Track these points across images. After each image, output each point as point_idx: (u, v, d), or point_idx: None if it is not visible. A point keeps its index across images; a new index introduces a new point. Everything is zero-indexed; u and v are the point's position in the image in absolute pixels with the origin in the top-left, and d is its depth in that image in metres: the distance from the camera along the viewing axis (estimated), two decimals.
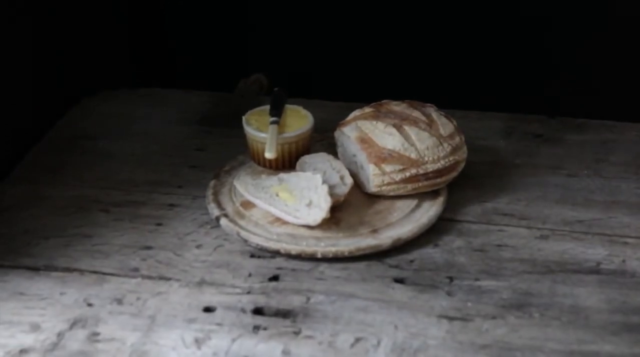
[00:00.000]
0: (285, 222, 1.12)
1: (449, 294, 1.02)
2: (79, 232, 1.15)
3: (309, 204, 1.11)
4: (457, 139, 1.20)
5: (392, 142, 1.16)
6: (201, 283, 1.04)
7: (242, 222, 1.14)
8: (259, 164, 1.27)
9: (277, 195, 1.14)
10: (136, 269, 1.07)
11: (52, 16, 1.43)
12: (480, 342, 0.94)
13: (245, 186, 1.16)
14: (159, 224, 1.17)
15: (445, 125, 1.20)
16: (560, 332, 0.95)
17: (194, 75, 1.67)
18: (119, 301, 1.01)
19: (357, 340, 0.94)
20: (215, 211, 1.16)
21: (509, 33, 1.55)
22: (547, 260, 1.08)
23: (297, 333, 0.95)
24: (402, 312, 0.99)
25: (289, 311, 0.99)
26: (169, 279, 1.05)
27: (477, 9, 1.55)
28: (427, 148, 1.16)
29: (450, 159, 1.17)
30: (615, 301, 1.00)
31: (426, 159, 1.15)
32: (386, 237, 1.09)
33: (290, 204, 1.12)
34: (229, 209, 1.17)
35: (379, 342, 0.94)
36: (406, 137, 1.16)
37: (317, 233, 1.10)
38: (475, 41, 1.58)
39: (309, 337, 0.95)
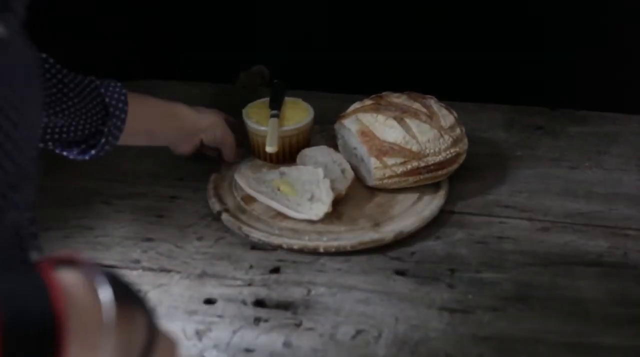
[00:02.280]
0: (287, 216, 1.12)
1: (450, 286, 1.02)
2: (80, 223, 1.15)
3: (311, 198, 1.11)
4: (458, 131, 1.20)
5: (393, 135, 1.15)
6: (202, 275, 1.04)
7: (243, 217, 1.13)
8: (259, 157, 1.26)
9: (279, 189, 1.14)
10: (137, 261, 1.07)
11: (51, 9, 1.42)
12: (481, 334, 0.94)
13: (247, 180, 1.16)
14: (160, 216, 1.17)
15: (445, 117, 1.20)
16: (561, 324, 0.95)
17: (195, 67, 1.67)
18: None
19: (358, 332, 0.94)
20: (216, 206, 1.15)
21: (511, 24, 1.55)
22: (548, 252, 1.08)
23: (298, 325, 0.96)
24: (403, 304, 0.99)
25: (290, 303, 0.99)
26: (170, 271, 1.05)
27: (478, 1, 1.55)
28: (429, 140, 1.15)
29: (452, 151, 1.17)
30: (616, 293, 1.00)
31: (427, 151, 1.15)
32: (388, 231, 1.09)
33: (291, 198, 1.12)
34: (230, 204, 1.16)
35: (380, 334, 0.94)
36: (407, 130, 1.16)
37: (319, 227, 1.10)
38: (476, 33, 1.57)
39: (310, 329, 0.95)
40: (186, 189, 1.22)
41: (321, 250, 1.07)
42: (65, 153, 1.08)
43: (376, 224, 1.11)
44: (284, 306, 0.99)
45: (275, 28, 1.64)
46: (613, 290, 1.01)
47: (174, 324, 0.96)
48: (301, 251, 1.07)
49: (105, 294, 0.52)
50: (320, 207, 1.09)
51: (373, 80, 1.52)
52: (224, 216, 1.13)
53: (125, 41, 1.63)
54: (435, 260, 1.06)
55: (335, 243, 1.07)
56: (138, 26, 1.64)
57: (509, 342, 0.93)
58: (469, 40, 1.58)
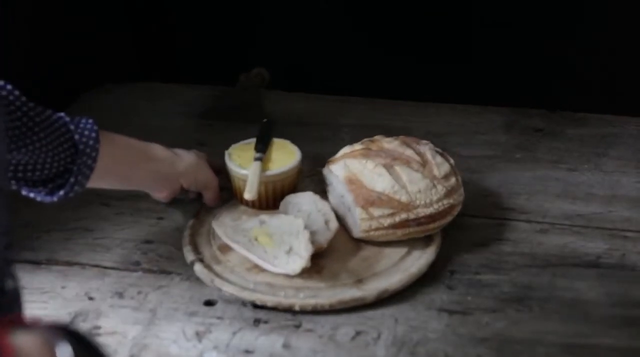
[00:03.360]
0: (264, 269, 1.02)
1: (449, 287, 1.02)
2: (80, 225, 1.15)
3: (289, 251, 1.01)
4: (453, 180, 1.10)
5: (382, 183, 1.06)
6: None
7: (217, 269, 1.04)
8: (241, 202, 1.17)
9: (257, 239, 1.04)
10: (137, 263, 1.07)
11: (52, 10, 1.43)
12: (480, 335, 0.94)
13: (224, 228, 1.06)
14: (160, 218, 1.17)
15: (440, 165, 1.10)
16: (560, 325, 0.95)
17: (195, 69, 1.67)
18: (120, 295, 1.01)
19: (358, 333, 0.94)
20: (190, 255, 1.06)
21: (510, 27, 1.55)
22: (547, 254, 1.08)
23: (297, 327, 0.96)
24: (402, 306, 0.99)
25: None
26: (169, 272, 1.06)
27: (479, 4, 1.55)
28: (419, 191, 1.06)
29: (444, 202, 1.07)
30: (615, 294, 1.00)
31: (418, 202, 1.05)
32: (371, 289, 0.99)
33: (269, 250, 1.02)
34: (206, 253, 1.07)
35: (379, 336, 0.94)
36: (397, 179, 1.06)
37: (297, 282, 1.00)
38: (476, 35, 1.58)
39: (310, 330, 0.95)
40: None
41: (297, 308, 0.97)
42: (32, 194, 1.01)
43: (359, 281, 1.01)
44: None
45: (275, 30, 1.64)
46: (612, 291, 1.01)
47: (174, 325, 0.96)
48: (275, 309, 0.98)
49: (64, 355, 0.51)
50: (298, 262, 0.99)
51: (373, 83, 1.52)
52: (197, 267, 1.04)
53: (126, 43, 1.63)
54: (434, 261, 1.06)
55: (312, 301, 0.97)
56: (138, 28, 1.65)
57: (508, 343, 0.93)
58: (468, 42, 1.58)
